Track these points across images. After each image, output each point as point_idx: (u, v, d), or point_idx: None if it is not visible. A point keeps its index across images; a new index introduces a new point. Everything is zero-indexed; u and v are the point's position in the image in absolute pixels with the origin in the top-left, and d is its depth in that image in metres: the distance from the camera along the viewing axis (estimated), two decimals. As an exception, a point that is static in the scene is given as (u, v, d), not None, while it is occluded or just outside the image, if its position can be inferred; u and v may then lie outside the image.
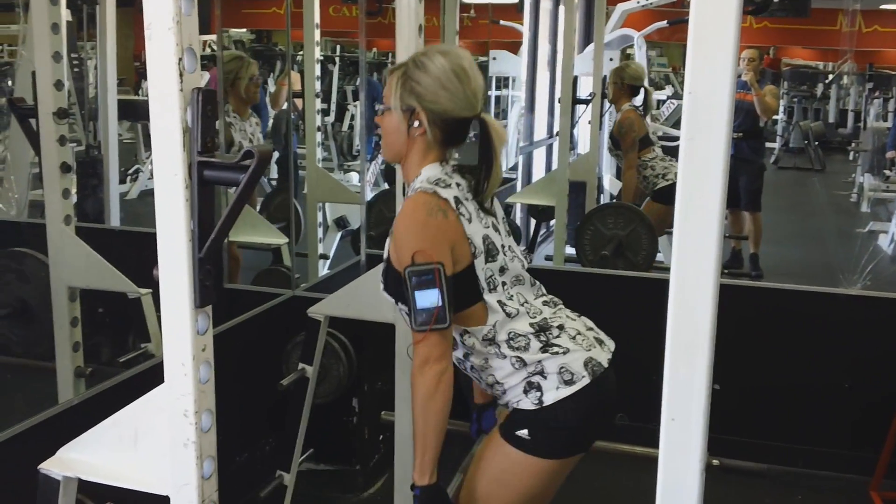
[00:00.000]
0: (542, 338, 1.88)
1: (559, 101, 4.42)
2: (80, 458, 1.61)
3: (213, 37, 4.58)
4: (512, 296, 1.92)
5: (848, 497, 3.37)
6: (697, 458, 1.24)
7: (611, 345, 1.97)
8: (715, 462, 2.37)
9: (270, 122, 5.64)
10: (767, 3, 4.21)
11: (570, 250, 4.78)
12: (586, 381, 1.85)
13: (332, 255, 4.98)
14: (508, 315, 1.88)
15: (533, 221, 5.53)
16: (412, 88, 1.89)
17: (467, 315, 1.88)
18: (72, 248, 2.71)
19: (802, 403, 3.54)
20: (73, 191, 4.14)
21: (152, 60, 1.36)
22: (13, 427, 2.12)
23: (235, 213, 1.44)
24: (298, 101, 4.73)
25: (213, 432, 1.52)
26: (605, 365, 1.90)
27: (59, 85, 2.67)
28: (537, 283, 2.04)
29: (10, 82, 5.02)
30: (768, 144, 10.46)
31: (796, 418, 3.55)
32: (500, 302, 1.89)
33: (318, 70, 4.19)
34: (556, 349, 1.87)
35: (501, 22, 7.45)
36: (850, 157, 11.13)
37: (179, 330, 1.45)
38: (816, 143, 12.64)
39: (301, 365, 2.71)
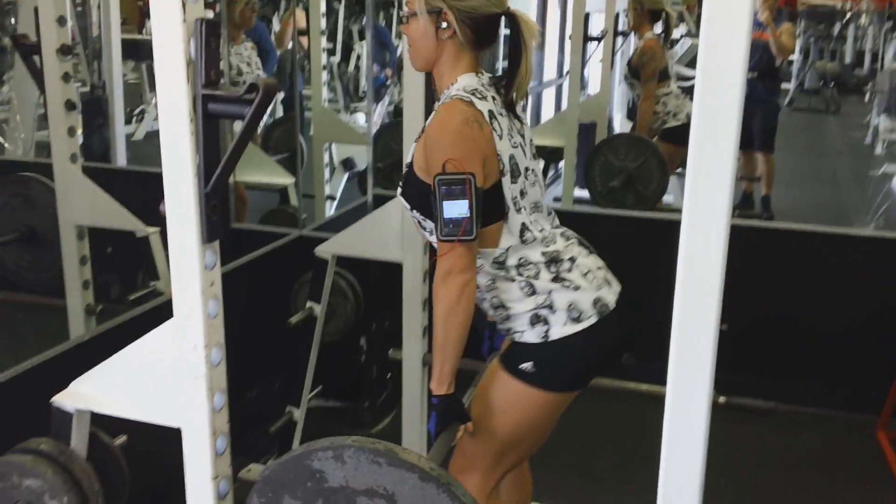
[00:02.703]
0: (553, 269, 1.87)
1: (570, 39, 4.36)
2: (92, 392, 1.63)
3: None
4: (532, 221, 1.91)
5: (855, 436, 3.40)
6: (705, 397, 1.24)
7: (617, 287, 1.96)
8: (721, 400, 2.39)
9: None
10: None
11: (580, 192, 4.76)
12: (593, 320, 1.85)
13: (339, 196, 4.97)
14: (524, 241, 1.87)
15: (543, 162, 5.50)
16: None
17: (483, 234, 1.85)
18: (79, 187, 2.71)
19: (810, 343, 3.55)
20: (79, 131, 4.14)
21: (155, -10, 1.34)
22: (25, 362, 2.14)
23: (241, 146, 1.43)
24: (304, 40, 4.68)
25: (223, 366, 1.53)
26: (612, 306, 1.90)
27: (61, 21, 2.64)
28: (553, 213, 2.02)
29: (12, 20, 4.97)
30: (783, 85, 10.32)
31: (804, 358, 3.57)
32: (523, 224, 1.87)
33: (323, 8, 4.14)
34: (567, 283, 1.86)
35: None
36: (866, 99, 11.00)
37: (187, 265, 1.45)
38: (832, 84, 12.47)
39: (309, 304, 2.73)
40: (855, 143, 9.72)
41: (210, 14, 1.39)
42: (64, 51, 2.65)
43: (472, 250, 1.80)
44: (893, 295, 3.41)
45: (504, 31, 1.99)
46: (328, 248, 2.68)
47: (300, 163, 3.82)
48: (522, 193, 1.90)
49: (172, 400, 1.53)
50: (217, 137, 1.43)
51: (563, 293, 1.85)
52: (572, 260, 1.90)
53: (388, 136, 4.34)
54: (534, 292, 1.85)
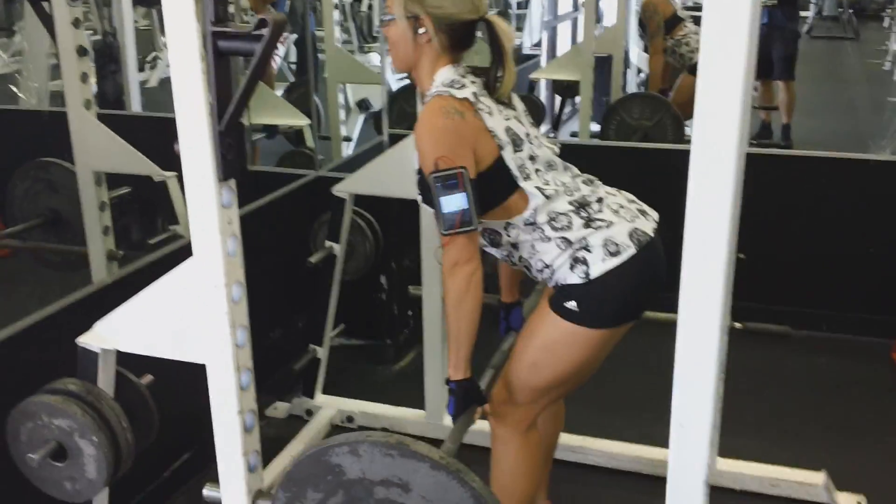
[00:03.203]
0: (584, 213, 1.88)
1: (581, -30, 4.30)
2: (116, 331, 1.66)
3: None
4: (548, 181, 1.92)
5: (870, 359, 3.42)
6: (717, 320, 1.24)
7: (654, 215, 1.96)
8: (737, 325, 2.40)
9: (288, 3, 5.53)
10: None
11: (596, 127, 4.73)
12: (632, 251, 1.85)
13: (355, 137, 4.96)
14: (548, 197, 1.88)
15: (558, 100, 5.45)
16: None
17: (507, 207, 1.89)
18: (94, 133, 2.71)
19: (826, 269, 3.56)
20: (93, 80, 4.14)
21: (161, -74, 1.33)
22: (50, 306, 2.17)
23: (253, 83, 1.43)
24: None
25: (244, 303, 1.56)
26: (651, 234, 1.89)
27: (69, -35, 2.62)
28: (571, 166, 2.02)
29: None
30: (801, 13, 10.13)
31: (820, 284, 3.58)
32: (537, 188, 1.88)
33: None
34: (598, 223, 1.87)
35: None
36: (886, 25, 10.78)
37: (205, 204, 1.46)
38: (850, 10, 12.22)
39: (328, 243, 2.75)
40: (873, 69, 9.54)
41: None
42: (73, -4, 2.64)
43: (474, 240, 1.84)
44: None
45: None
46: (345, 188, 2.69)
47: (313, 104, 3.80)
48: (532, 158, 1.92)
49: (196, 337, 1.56)
50: (229, 75, 1.44)
51: (597, 233, 1.86)
52: (600, 200, 1.91)
53: (404, 101, 4.32)
54: (569, 244, 1.87)
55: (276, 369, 2.97)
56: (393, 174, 2.56)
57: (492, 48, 1.92)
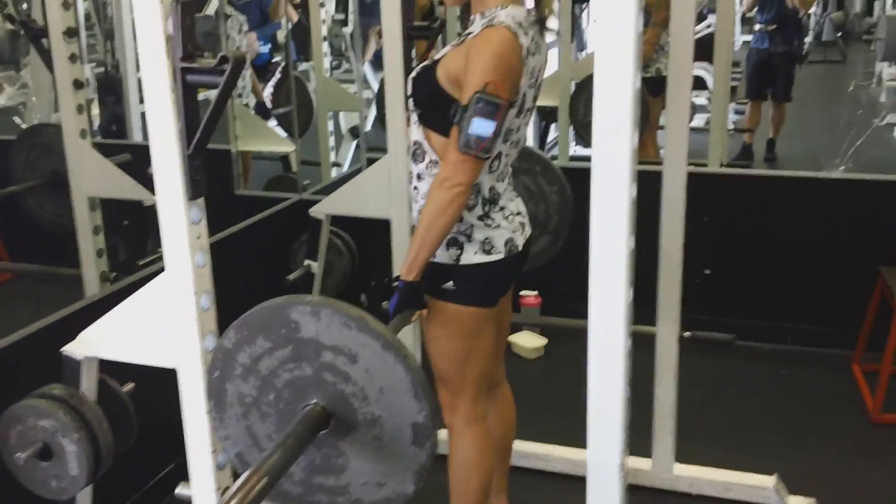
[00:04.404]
0: (486, 208, 2.06)
1: (558, 2, 4.46)
2: (97, 340, 1.82)
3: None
4: (509, 154, 2.09)
5: (832, 370, 3.56)
6: (621, 322, 1.39)
7: (528, 231, 2.18)
8: (686, 334, 2.55)
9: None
10: None
11: (581, 151, 4.89)
12: (500, 256, 2.06)
13: (347, 163, 5.11)
14: (490, 168, 2.03)
15: (543, 123, 5.62)
16: None
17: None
18: (89, 160, 2.87)
19: (790, 284, 3.71)
20: (96, 111, 4.30)
21: (134, -24, 1.50)
22: (43, 319, 2.33)
23: (218, 112, 1.60)
24: (295, 11, 4.85)
25: (213, 311, 1.72)
26: (520, 248, 2.11)
27: (66, 5, 2.77)
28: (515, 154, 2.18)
29: (25, 4, 5.13)
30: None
31: (784, 298, 3.74)
32: (500, 153, 2.04)
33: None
34: (489, 221, 2.06)
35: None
36: (872, 47, 10.92)
37: (175, 221, 1.63)
38: (839, 33, 12.39)
39: (307, 262, 2.91)
40: (860, 92, 9.69)
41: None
42: (70, 33, 2.79)
43: (479, 168, 1.95)
44: (865, 235, 3.56)
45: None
46: (321, 209, 2.85)
47: (297, 131, 3.97)
48: (518, 129, 2.07)
49: (168, 343, 1.72)
50: (196, 105, 1.61)
51: (483, 230, 2.05)
52: (503, 207, 2.09)
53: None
54: (460, 220, 2.03)
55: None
56: (365, 195, 2.71)
57: None
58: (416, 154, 2.09)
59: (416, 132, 2.08)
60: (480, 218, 2.06)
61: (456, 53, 1.98)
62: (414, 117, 2.07)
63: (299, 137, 4.12)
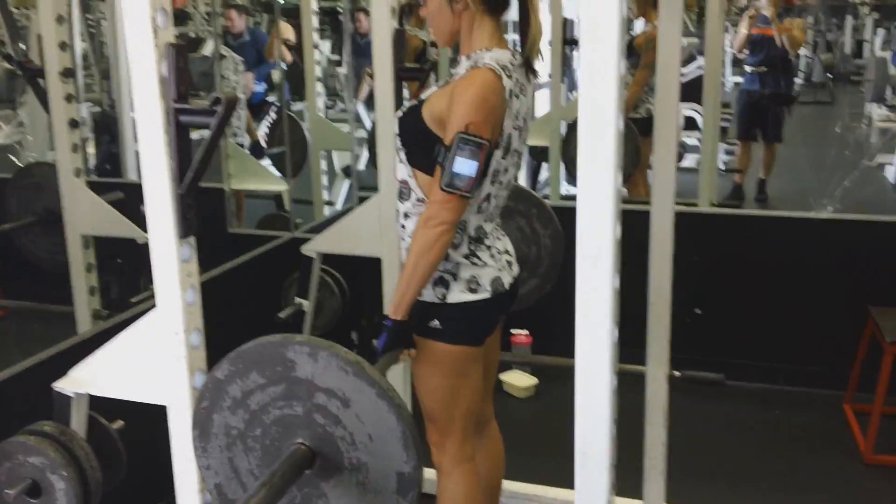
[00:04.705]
0: (472, 246, 2.08)
1: (549, 45, 4.53)
2: (88, 377, 1.82)
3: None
4: (498, 195, 2.11)
5: (823, 410, 3.57)
6: (607, 361, 1.41)
7: (516, 270, 2.20)
8: (676, 373, 2.56)
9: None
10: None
11: (573, 189, 4.93)
12: (486, 295, 2.08)
13: (340, 202, 5.15)
14: (479, 209, 2.06)
15: (535, 162, 5.68)
16: None
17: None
18: (83, 199, 2.90)
19: (779, 324, 3.72)
20: (92, 149, 4.33)
21: (130, 19, 1.54)
22: (35, 356, 2.34)
23: (210, 151, 1.62)
24: (289, 51, 4.92)
25: (203, 349, 1.72)
26: (506, 288, 2.13)
27: (63, 46, 2.82)
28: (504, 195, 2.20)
29: (23, 45, 5.18)
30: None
31: (775, 338, 3.74)
32: (489, 194, 2.07)
33: (315, 22, 4.34)
34: (476, 260, 2.08)
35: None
36: (861, 88, 11.07)
37: (166, 259, 1.65)
38: (829, 75, 12.56)
39: (297, 299, 2.92)
40: (850, 133, 9.80)
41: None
42: (66, 73, 2.84)
43: (463, 207, 1.97)
44: (855, 275, 3.59)
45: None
46: (312, 247, 2.87)
47: (289, 170, 4.02)
48: (506, 170, 2.09)
49: (158, 380, 1.72)
50: (189, 144, 1.63)
51: (469, 268, 2.07)
52: (490, 246, 2.12)
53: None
54: (446, 258, 2.05)
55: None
56: (356, 234, 2.73)
57: (521, 6, 2.06)
58: (403, 193, 2.12)
59: (403, 171, 2.11)
60: (466, 256, 2.08)
61: (441, 94, 2.02)
62: (401, 156, 2.10)
63: (293, 177, 4.16)
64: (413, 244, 1.99)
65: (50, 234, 3.13)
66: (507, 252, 2.18)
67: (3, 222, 3.27)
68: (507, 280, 2.14)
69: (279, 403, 1.55)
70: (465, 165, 1.89)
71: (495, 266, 2.11)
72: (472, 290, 2.07)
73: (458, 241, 2.06)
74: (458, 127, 1.91)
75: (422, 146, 2.02)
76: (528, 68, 2.10)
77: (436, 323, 2.07)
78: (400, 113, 2.14)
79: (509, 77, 2.00)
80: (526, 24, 2.07)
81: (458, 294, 2.06)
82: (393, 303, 2.04)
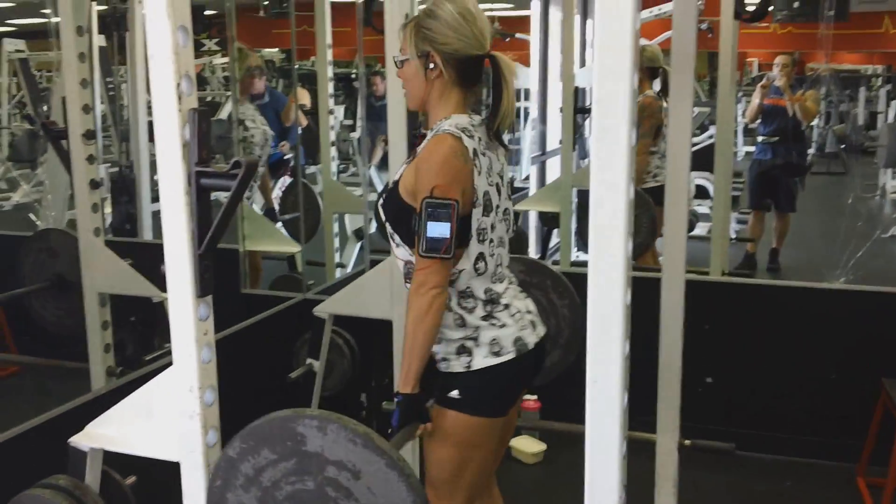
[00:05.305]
0: (488, 308, 2.09)
1: (561, 112, 4.61)
2: (104, 432, 1.85)
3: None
4: (493, 254, 2.13)
5: (836, 483, 3.52)
6: (617, 426, 1.42)
7: (541, 330, 2.20)
8: (687, 442, 2.55)
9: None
10: (763, 12, 4.33)
11: (584, 256, 4.96)
12: (511, 356, 2.08)
13: (352, 264, 5.19)
14: (476, 271, 2.08)
15: (545, 228, 5.72)
16: (425, 35, 2.08)
17: None
18: (101, 257, 2.95)
19: (791, 395, 3.71)
20: (108, 210, 4.40)
21: (155, 85, 1.59)
22: (51, 411, 2.36)
23: (229, 214, 1.67)
24: (305, 116, 5.04)
25: (216, 406, 1.74)
26: (531, 347, 2.13)
27: (86, 108, 2.90)
28: (507, 254, 2.23)
29: (45, 107, 5.30)
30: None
31: (787, 409, 3.72)
32: (480, 253, 2.08)
33: (331, 88, 4.43)
34: (494, 321, 2.09)
35: (517, 35, 7.61)
36: (874, 160, 11.12)
37: (183, 317, 1.68)
38: (842, 146, 12.63)
39: (309, 360, 2.94)
40: (862, 204, 9.82)
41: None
42: (88, 135, 2.91)
43: (447, 268, 2.01)
44: (868, 347, 3.58)
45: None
46: (325, 308, 2.90)
47: (304, 236, 4.08)
48: (492, 227, 2.12)
49: (171, 437, 1.74)
50: (209, 206, 1.68)
51: (489, 330, 2.08)
52: (507, 305, 2.13)
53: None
54: (464, 325, 2.07)
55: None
56: (367, 296, 2.76)
57: (494, 82, 2.12)
58: (408, 274, 2.14)
59: (403, 252, 2.14)
60: (485, 318, 2.08)
61: (410, 169, 2.09)
62: (395, 240, 2.14)
63: (306, 242, 4.21)
64: (409, 315, 2.02)
65: (59, 298, 3.20)
66: (529, 312, 2.18)
67: (17, 283, 3.33)
68: (531, 340, 2.13)
69: (291, 479, 1.57)
70: (437, 228, 1.95)
71: (516, 326, 2.11)
72: (496, 354, 2.07)
73: (472, 305, 2.08)
74: (424, 193, 1.97)
75: (406, 222, 2.07)
76: (489, 129, 2.15)
77: (455, 393, 2.07)
78: (380, 199, 2.18)
79: (471, 137, 2.06)
80: (498, 98, 2.13)
81: (481, 360, 2.06)
82: (400, 378, 2.05)
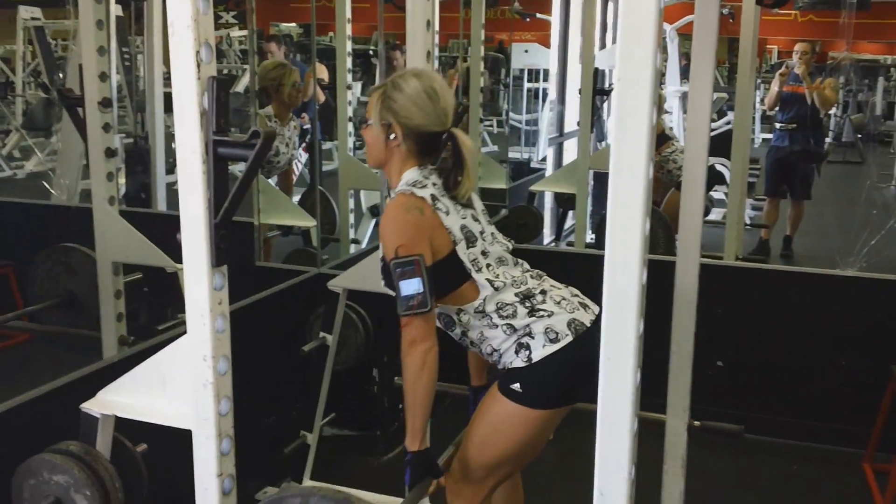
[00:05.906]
0: (528, 304, 2.09)
1: (579, 93, 4.59)
2: (115, 399, 1.85)
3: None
4: (498, 274, 2.14)
5: (842, 468, 3.53)
6: (629, 402, 1.42)
7: (595, 308, 2.16)
8: (696, 423, 2.55)
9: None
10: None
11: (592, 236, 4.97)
12: (570, 339, 2.05)
13: (366, 240, 5.19)
14: (496, 289, 2.09)
15: (560, 210, 5.71)
16: (389, 106, 2.13)
17: (459, 295, 2.11)
18: (115, 227, 2.96)
19: (801, 380, 3.70)
20: (122, 180, 4.41)
21: (174, 53, 1.58)
22: (63, 377, 2.37)
23: (246, 184, 1.66)
24: (322, 91, 5.01)
25: (229, 376, 1.75)
26: (588, 325, 2.09)
27: (103, 76, 2.90)
28: (521, 261, 2.25)
29: (61, 75, 5.31)
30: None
31: (796, 393, 3.72)
32: (488, 279, 2.10)
33: (349, 63, 4.42)
34: (541, 312, 2.07)
35: (538, 15, 7.58)
36: (891, 149, 11.07)
37: (199, 286, 1.68)
38: (859, 135, 12.56)
39: (322, 333, 2.95)
40: (878, 193, 9.76)
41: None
42: (104, 103, 2.91)
43: (430, 320, 2.04)
44: (879, 334, 3.57)
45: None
46: (339, 282, 2.90)
47: (319, 207, 4.07)
48: (484, 253, 2.15)
49: (184, 405, 1.75)
50: (226, 175, 1.67)
51: (539, 322, 2.06)
52: (544, 293, 2.12)
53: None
54: (514, 331, 2.07)
55: (270, 455, 3.11)
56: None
57: (453, 157, 2.16)
58: (447, 320, 2.16)
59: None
60: (530, 314, 2.08)
61: (381, 235, 2.13)
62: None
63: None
64: (404, 373, 2.04)
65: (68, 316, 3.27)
66: (575, 295, 2.17)
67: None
68: (586, 319, 2.11)
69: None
70: (410, 286, 1.99)
71: (566, 309, 2.10)
72: (553, 340, 2.05)
73: (512, 311, 2.08)
74: (391, 255, 2.03)
75: None
76: (458, 203, 2.17)
77: (517, 386, 2.06)
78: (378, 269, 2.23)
79: (423, 187, 2.11)
80: (459, 174, 2.15)
81: (540, 350, 2.05)
82: (407, 435, 2.07)
